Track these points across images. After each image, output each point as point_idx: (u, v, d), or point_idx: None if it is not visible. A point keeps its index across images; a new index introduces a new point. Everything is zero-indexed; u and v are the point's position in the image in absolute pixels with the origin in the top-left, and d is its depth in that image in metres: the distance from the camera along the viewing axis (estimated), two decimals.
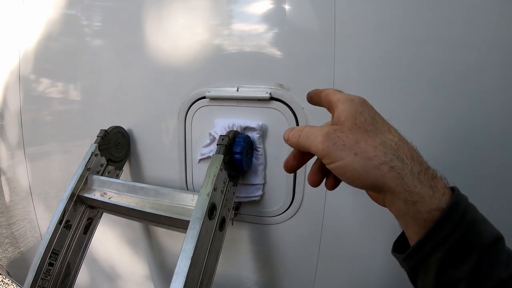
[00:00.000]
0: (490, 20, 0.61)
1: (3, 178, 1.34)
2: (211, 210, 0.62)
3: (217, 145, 0.67)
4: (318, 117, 0.71)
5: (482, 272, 0.27)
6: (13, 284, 1.42)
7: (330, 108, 0.39)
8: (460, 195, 0.30)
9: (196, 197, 0.65)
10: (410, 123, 0.66)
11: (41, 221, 1.21)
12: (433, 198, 0.29)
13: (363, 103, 0.36)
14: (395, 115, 0.65)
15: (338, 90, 0.40)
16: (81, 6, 0.93)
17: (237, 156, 0.68)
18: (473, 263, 0.28)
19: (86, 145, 0.99)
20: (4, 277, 1.46)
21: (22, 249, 1.42)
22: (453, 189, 0.31)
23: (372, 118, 0.34)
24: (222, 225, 0.67)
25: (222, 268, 0.88)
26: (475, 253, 0.28)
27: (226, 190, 0.68)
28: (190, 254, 0.56)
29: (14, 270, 1.47)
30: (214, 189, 0.62)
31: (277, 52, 0.74)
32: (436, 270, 0.29)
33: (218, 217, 0.65)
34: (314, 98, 0.44)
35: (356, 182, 0.32)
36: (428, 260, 0.30)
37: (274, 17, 0.73)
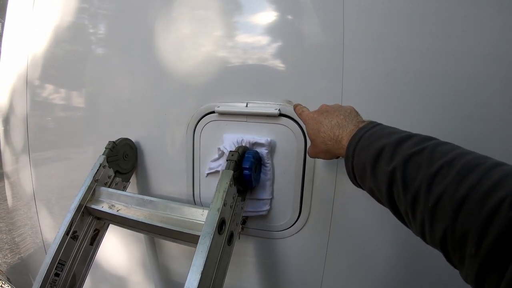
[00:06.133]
0: (494, 33, 0.63)
1: (6, 182, 1.34)
2: (221, 225, 0.63)
3: (226, 160, 0.68)
4: None
5: (376, 175, 0.43)
6: None
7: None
8: (353, 138, 0.49)
9: (205, 212, 0.66)
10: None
11: (43, 227, 1.21)
12: (341, 149, 0.52)
13: (306, 123, 0.62)
14: (403, 125, 0.68)
15: (301, 110, 0.66)
16: (89, 14, 0.95)
17: (246, 171, 0.69)
18: (369, 172, 0.44)
19: (90, 153, 1.00)
20: (3, 282, 1.45)
21: (22, 254, 1.41)
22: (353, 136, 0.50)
23: (312, 130, 0.59)
24: (230, 239, 0.68)
25: (228, 281, 0.88)
26: (368, 166, 0.44)
27: (235, 205, 0.69)
28: (200, 269, 0.56)
29: (14, 276, 1.46)
30: (224, 204, 0.63)
31: (286, 68, 0.75)
32: (362, 185, 0.49)
33: (227, 232, 0.66)
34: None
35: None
36: (354, 177, 0.50)
37: (283, 33, 0.75)
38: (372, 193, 0.47)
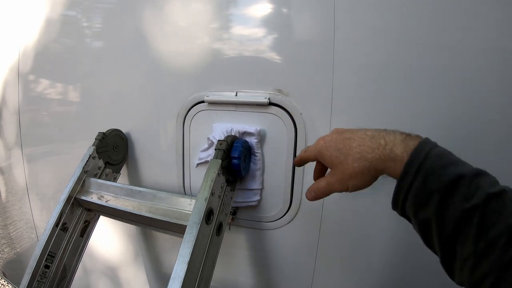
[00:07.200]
0: (490, 25, 0.61)
1: (0, 178, 1.33)
2: (208, 215, 0.62)
3: (215, 150, 0.67)
4: (316, 123, 0.72)
5: (445, 208, 0.35)
6: (9, 285, 1.41)
7: (317, 159, 0.52)
8: (417, 151, 0.38)
9: (193, 201, 0.65)
10: (410, 126, 0.66)
11: (38, 222, 1.20)
12: (396, 166, 0.40)
13: (324, 148, 0.48)
14: (394, 119, 0.67)
15: (305, 149, 0.54)
16: (81, 8, 0.94)
17: (235, 161, 0.68)
18: (436, 203, 0.35)
19: (84, 147, 0.99)
20: (0, 277, 1.45)
21: (18, 250, 1.41)
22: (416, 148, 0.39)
23: (337, 151, 0.46)
24: (219, 230, 0.67)
25: (219, 273, 0.88)
26: (436, 195, 0.35)
27: (223, 195, 0.68)
28: (187, 259, 0.56)
29: (10, 271, 1.46)
30: (212, 194, 0.62)
31: (276, 57, 0.74)
32: (413, 213, 0.38)
33: (215, 222, 0.65)
34: (301, 162, 0.57)
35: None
36: (404, 207, 0.39)
37: (274, 22, 0.73)
38: (425, 226, 0.37)
